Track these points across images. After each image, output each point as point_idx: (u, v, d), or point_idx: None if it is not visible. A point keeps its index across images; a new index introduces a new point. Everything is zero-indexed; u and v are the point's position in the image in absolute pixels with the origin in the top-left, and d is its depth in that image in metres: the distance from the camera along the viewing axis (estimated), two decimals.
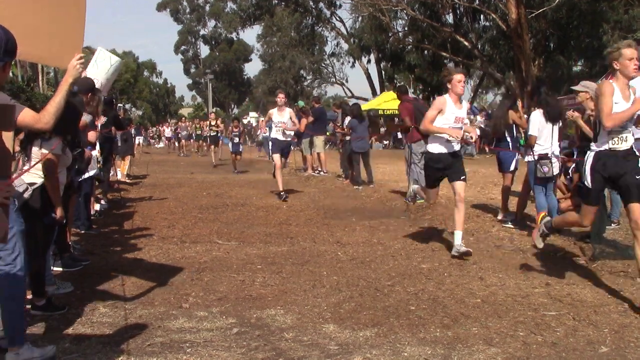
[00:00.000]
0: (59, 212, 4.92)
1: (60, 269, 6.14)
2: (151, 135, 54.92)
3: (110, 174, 12.70)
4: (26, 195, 4.52)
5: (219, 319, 4.75)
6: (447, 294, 5.40)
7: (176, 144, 37.33)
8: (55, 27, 3.93)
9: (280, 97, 12.27)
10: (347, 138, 14.75)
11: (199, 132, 29.65)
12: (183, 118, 38.05)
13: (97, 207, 9.73)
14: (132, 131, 21.34)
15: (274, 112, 12.20)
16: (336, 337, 4.35)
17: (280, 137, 12.15)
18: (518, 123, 9.27)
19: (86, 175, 7.60)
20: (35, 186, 4.69)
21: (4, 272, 3.72)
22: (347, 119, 15.15)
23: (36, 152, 4.74)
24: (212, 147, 23.90)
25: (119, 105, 15.95)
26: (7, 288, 3.74)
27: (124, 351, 4.04)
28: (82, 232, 8.09)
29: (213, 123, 24.17)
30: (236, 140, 20.00)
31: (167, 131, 41.39)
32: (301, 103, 21.90)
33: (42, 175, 4.80)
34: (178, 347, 4.11)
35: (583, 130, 7.27)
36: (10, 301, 3.76)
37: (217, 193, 13.31)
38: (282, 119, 12.07)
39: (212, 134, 23.87)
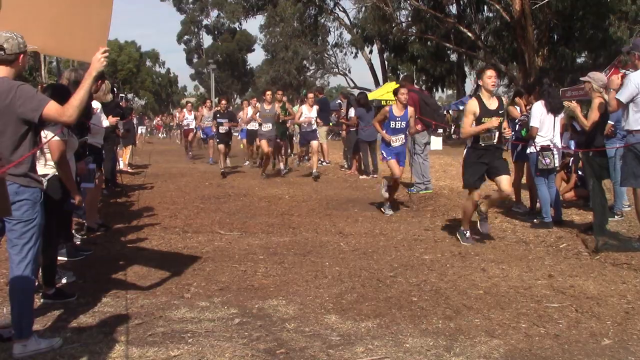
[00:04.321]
0: (77, 198, 4.97)
1: (65, 258, 6.15)
2: (159, 124, 51.25)
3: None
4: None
5: (220, 309, 4.75)
6: (450, 285, 5.38)
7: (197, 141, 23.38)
8: (80, 21, 3.94)
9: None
10: (352, 129, 14.74)
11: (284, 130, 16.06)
12: (222, 102, 16.68)
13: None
14: (134, 121, 21.05)
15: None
16: (338, 327, 4.34)
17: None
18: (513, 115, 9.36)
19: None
20: (49, 176, 4.71)
21: (16, 261, 3.73)
22: (352, 110, 15.14)
23: (44, 138, 4.74)
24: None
25: (120, 95, 15.79)
26: (18, 279, 3.74)
27: (125, 341, 4.04)
28: (84, 221, 8.08)
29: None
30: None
31: (189, 118, 21.54)
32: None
33: (54, 165, 4.83)
34: (179, 337, 4.10)
35: (580, 122, 7.26)
36: (20, 292, 3.77)
37: (219, 183, 13.30)
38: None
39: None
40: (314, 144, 14.36)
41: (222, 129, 15.45)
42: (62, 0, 3.95)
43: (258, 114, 13.95)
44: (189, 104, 23.45)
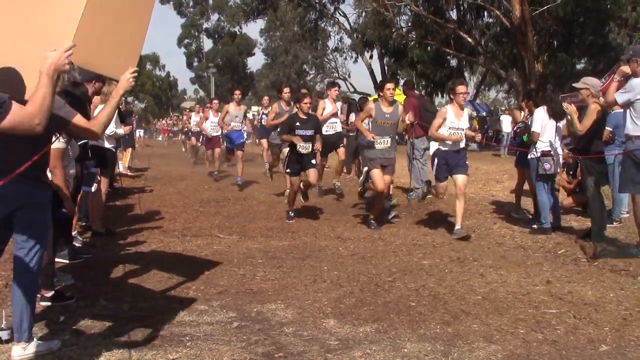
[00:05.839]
0: (67, 205, 4.96)
1: (65, 261, 6.15)
2: (165, 127, 48.63)
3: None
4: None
5: (219, 313, 4.75)
6: (448, 291, 5.39)
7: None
8: (115, 38, 3.96)
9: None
10: (352, 134, 14.74)
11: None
12: (306, 100, 9.07)
13: None
14: (134, 123, 20.84)
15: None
16: (336, 332, 4.35)
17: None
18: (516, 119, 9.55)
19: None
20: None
21: (22, 263, 3.73)
22: (352, 115, 15.15)
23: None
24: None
25: None
26: (22, 281, 3.74)
27: (124, 344, 4.04)
28: (84, 224, 8.09)
29: None
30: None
31: (214, 121, 14.93)
32: None
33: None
34: (178, 341, 4.11)
35: (574, 126, 7.27)
36: (23, 295, 3.75)
37: (219, 187, 13.30)
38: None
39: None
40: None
41: (303, 148, 8.96)
42: (103, 16, 3.98)
43: (369, 122, 8.48)
44: (215, 102, 16.30)
